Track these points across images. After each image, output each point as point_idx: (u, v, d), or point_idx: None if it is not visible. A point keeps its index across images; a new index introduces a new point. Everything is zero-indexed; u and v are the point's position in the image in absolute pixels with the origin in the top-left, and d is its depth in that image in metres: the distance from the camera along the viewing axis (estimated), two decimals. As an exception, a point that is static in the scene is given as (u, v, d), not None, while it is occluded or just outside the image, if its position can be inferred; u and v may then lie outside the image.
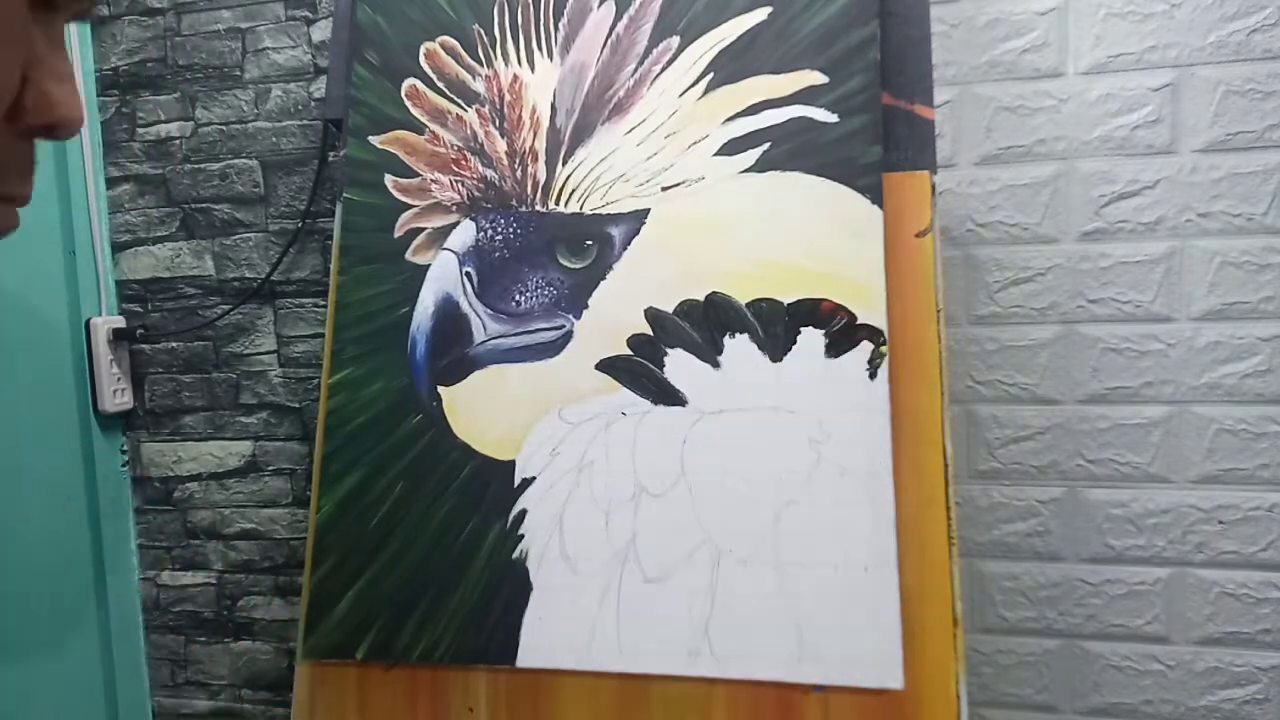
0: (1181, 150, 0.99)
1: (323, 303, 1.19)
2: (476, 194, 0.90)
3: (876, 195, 0.82)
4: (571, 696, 0.80)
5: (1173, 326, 1.00)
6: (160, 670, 1.29)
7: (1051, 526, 1.05)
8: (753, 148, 0.85)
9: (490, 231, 0.89)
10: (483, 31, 0.93)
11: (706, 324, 0.83)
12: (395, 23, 0.95)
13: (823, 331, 0.81)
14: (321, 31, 1.17)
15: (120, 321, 1.24)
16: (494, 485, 0.84)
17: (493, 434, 0.85)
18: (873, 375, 0.79)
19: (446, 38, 0.93)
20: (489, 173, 0.90)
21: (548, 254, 0.87)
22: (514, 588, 0.82)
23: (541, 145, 0.89)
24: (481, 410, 0.86)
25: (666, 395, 0.83)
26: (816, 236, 0.83)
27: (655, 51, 0.88)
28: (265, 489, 1.24)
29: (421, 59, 0.94)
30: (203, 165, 1.22)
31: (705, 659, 0.77)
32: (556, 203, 0.88)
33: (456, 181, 0.91)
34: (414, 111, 0.93)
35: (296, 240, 1.19)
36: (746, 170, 0.85)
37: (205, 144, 1.22)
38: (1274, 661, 1.00)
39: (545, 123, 0.89)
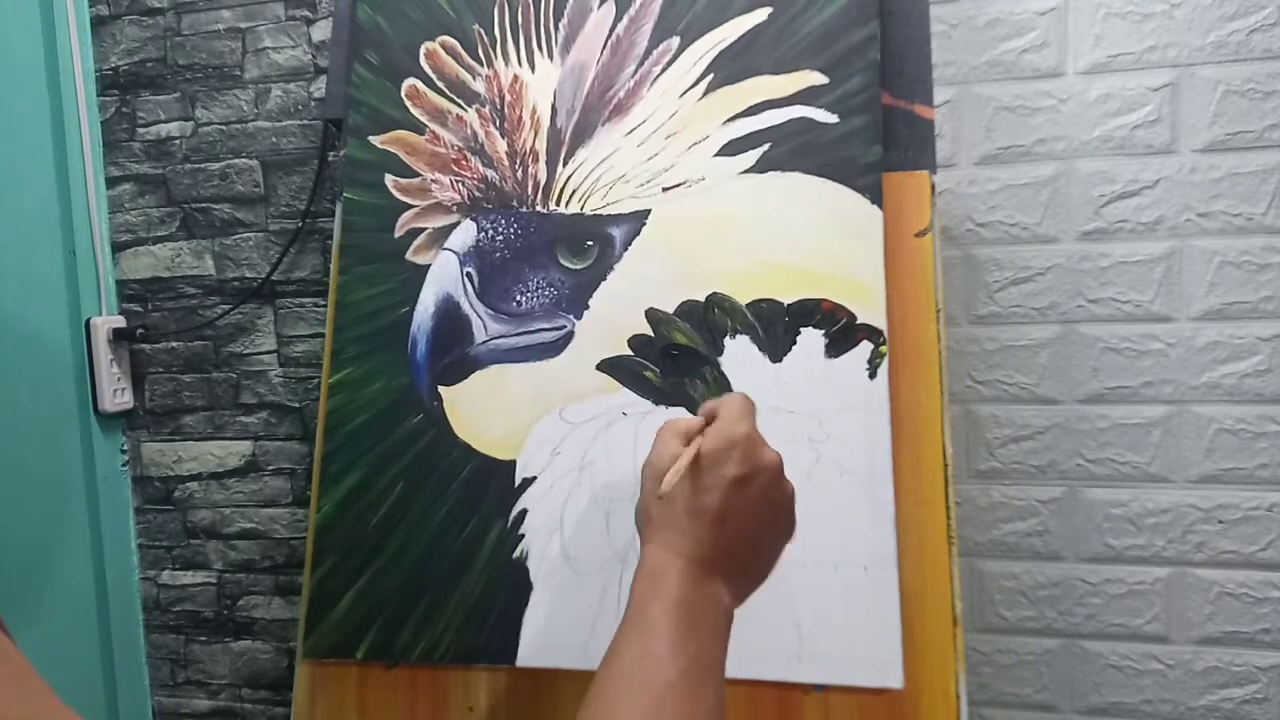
0: (1181, 150, 0.99)
1: (323, 303, 1.20)
2: (477, 194, 0.90)
3: (876, 195, 0.82)
4: (572, 696, 0.80)
5: (1172, 326, 1.00)
6: (160, 670, 1.29)
7: (1051, 526, 1.05)
8: (753, 148, 0.85)
9: (491, 232, 0.89)
10: (483, 31, 0.93)
11: (706, 324, 0.83)
12: (395, 23, 0.95)
13: (823, 331, 0.81)
14: (321, 31, 1.17)
15: (120, 321, 1.24)
16: (494, 485, 0.84)
17: (493, 434, 0.85)
18: (873, 375, 0.79)
19: (447, 38, 0.93)
20: (489, 173, 0.90)
21: (548, 254, 0.87)
22: (514, 587, 0.82)
23: (542, 145, 0.89)
24: (482, 410, 0.86)
25: (667, 395, 0.83)
26: (817, 236, 0.83)
27: (655, 52, 0.88)
28: (265, 489, 1.24)
29: (422, 59, 0.94)
30: (203, 165, 1.22)
31: (705, 659, 0.77)
32: (557, 203, 0.88)
33: (457, 181, 0.91)
34: (414, 111, 0.93)
35: (296, 240, 1.19)
36: (747, 170, 0.85)
37: (205, 144, 1.22)
38: (1274, 661, 1.00)
39: (545, 123, 0.89)
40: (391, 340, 0.89)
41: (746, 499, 0.56)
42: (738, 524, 0.56)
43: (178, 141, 1.23)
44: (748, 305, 0.83)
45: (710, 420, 0.60)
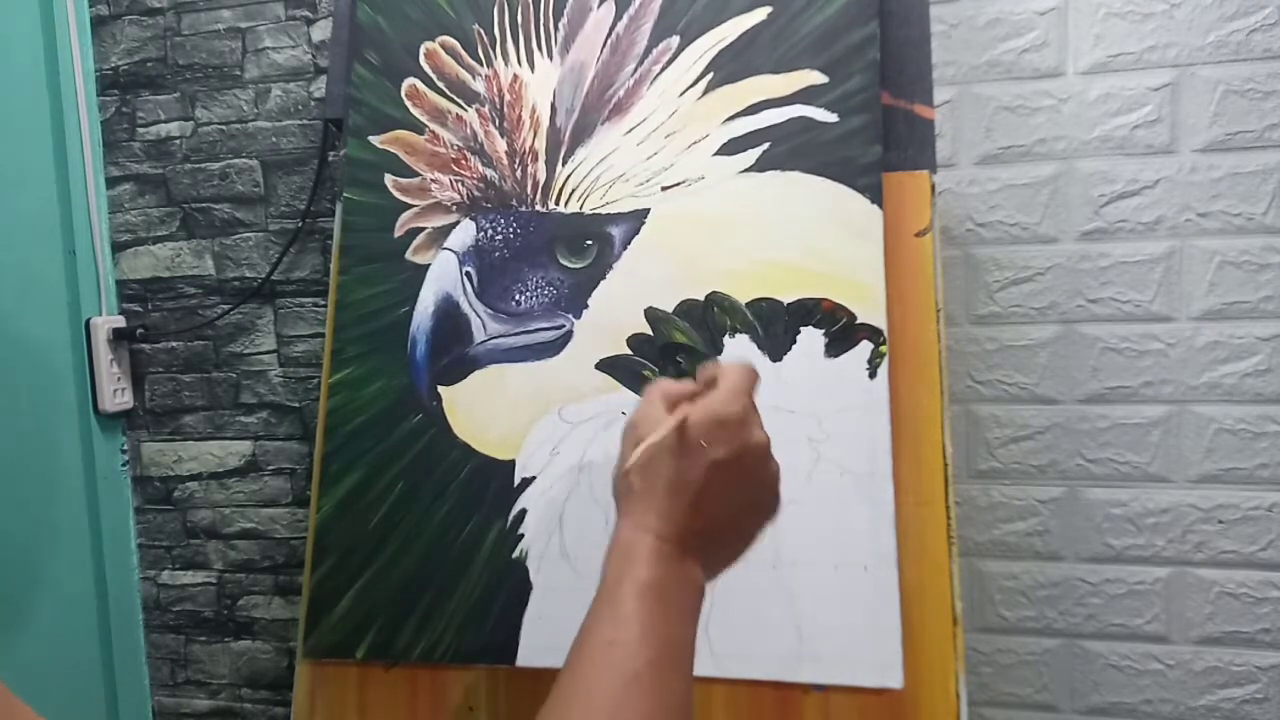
0: (1181, 150, 0.99)
1: (323, 302, 1.20)
2: (476, 194, 0.90)
3: (876, 195, 0.82)
4: (571, 696, 0.80)
5: (1172, 326, 1.00)
6: (160, 670, 1.29)
7: (1051, 526, 1.05)
8: (753, 147, 0.85)
9: (490, 231, 0.89)
10: (483, 31, 0.93)
11: (706, 324, 0.83)
12: (395, 23, 0.95)
13: (822, 331, 0.81)
14: (321, 31, 1.17)
15: (120, 321, 1.24)
16: (494, 485, 0.84)
17: (493, 433, 0.85)
18: (872, 375, 0.79)
19: (446, 38, 0.93)
20: (489, 172, 0.90)
21: (548, 254, 0.87)
22: (514, 587, 0.82)
23: (541, 145, 0.89)
24: (481, 410, 0.86)
25: (666, 395, 0.83)
26: (816, 236, 0.83)
27: (655, 51, 0.88)
28: (265, 488, 1.24)
29: (421, 59, 0.94)
30: (203, 165, 1.22)
31: (704, 658, 0.77)
32: (556, 202, 0.88)
33: (456, 181, 0.91)
34: (414, 111, 0.93)
35: (296, 240, 1.19)
36: (746, 170, 0.85)
37: (205, 144, 1.22)
38: (1274, 661, 1.00)
39: (545, 122, 0.89)
40: (391, 340, 0.89)
41: (729, 481, 0.53)
42: (718, 505, 0.53)
43: (178, 141, 1.23)
44: (747, 304, 0.83)
45: (706, 386, 0.56)
